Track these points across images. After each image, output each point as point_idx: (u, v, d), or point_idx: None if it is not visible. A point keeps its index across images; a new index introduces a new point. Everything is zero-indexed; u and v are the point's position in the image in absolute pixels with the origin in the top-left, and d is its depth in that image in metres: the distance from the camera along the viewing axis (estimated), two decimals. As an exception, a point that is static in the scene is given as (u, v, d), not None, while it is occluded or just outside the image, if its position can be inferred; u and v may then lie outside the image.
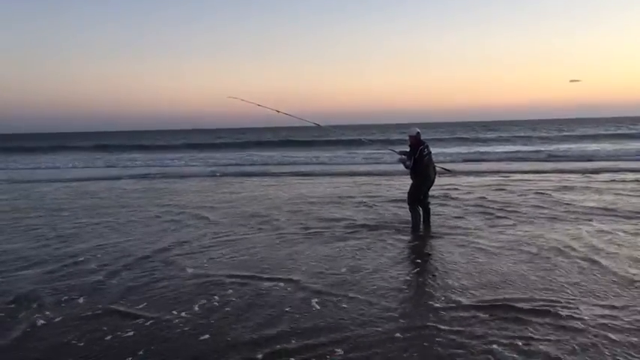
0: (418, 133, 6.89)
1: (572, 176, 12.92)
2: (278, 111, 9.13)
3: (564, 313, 3.85)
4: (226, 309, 4.15)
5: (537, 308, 3.95)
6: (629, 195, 9.36)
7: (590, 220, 7.22)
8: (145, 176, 17.00)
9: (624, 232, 6.43)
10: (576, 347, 3.30)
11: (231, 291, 4.60)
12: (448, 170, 8.24)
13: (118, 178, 16.58)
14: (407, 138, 7.04)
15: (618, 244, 5.80)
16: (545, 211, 8.02)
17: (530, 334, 3.52)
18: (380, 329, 3.67)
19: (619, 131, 39.81)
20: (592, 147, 24.75)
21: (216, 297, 4.45)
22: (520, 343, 3.36)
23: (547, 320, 3.73)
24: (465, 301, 4.19)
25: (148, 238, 6.95)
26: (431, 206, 7.27)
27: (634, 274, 4.70)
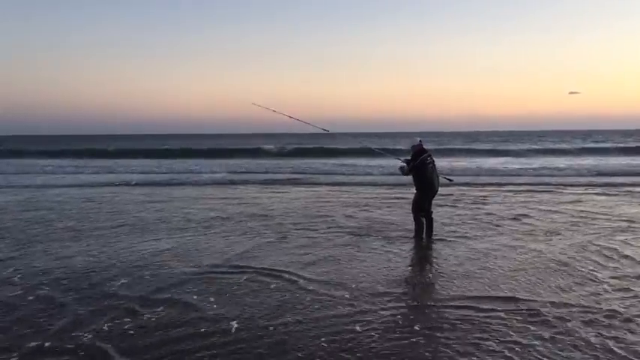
0: (420, 141, 7.28)
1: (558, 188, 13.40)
2: (291, 117, 9.29)
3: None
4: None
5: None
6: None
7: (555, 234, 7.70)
8: (199, 183, 17.24)
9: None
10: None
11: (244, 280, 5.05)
12: (450, 180, 8.56)
13: (174, 183, 16.99)
14: (408, 148, 7.40)
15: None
16: (551, 219, 8.59)
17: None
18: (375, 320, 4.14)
19: (600, 145, 40.39)
20: (588, 161, 25.27)
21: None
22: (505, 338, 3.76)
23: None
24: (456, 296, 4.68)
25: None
26: (434, 215, 7.54)
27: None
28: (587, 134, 70.71)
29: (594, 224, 8.11)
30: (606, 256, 6.06)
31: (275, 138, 68.16)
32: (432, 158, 7.18)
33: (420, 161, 7.06)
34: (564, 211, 9.48)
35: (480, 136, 70.34)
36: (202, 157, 33.58)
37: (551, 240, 7.05)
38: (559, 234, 7.44)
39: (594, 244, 6.68)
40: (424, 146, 7.31)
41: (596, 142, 45.53)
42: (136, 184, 16.32)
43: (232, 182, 16.82)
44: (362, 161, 24.48)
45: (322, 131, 9.06)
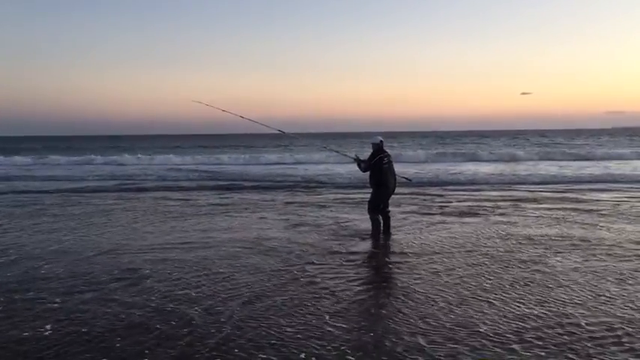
0: (381, 141, 7.27)
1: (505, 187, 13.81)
2: (242, 117, 9.02)
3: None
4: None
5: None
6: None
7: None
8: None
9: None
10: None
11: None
12: (409, 180, 8.53)
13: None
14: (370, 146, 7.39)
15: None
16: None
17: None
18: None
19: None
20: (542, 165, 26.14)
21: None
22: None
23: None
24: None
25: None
26: (390, 214, 7.52)
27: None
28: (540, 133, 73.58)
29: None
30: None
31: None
32: (388, 159, 7.22)
33: (377, 160, 7.10)
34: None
35: (439, 137, 72.01)
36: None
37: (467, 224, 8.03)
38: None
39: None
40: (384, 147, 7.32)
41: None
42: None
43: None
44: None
45: (277, 132, 8.76)
